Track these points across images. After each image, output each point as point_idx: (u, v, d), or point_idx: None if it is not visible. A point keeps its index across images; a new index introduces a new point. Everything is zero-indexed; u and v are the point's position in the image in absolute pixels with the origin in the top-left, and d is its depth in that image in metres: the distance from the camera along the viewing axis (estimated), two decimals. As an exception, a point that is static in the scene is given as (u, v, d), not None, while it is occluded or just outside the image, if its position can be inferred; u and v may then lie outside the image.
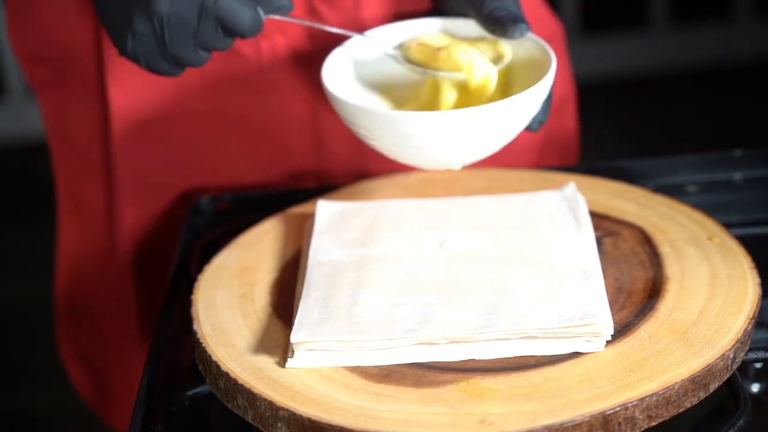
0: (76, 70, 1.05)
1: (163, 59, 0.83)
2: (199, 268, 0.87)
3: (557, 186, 0.92)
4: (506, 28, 0.85)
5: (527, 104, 0.82)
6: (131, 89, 1.02)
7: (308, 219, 0.91)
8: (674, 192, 0.96)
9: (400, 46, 0.90)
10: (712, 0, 3.23)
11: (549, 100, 0.87)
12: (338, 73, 0.89)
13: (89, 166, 1.09)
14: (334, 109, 0.86)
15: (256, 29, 0.82)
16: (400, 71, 0.91)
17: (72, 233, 1.14)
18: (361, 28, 0.96)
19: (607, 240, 0.86)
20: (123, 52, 0.84)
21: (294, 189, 1.02)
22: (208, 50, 0.83)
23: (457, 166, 0.87)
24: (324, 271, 0.82)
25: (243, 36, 0.82)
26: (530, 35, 0.87)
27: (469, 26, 0.90)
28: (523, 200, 0.90)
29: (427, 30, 0.91)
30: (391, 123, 0.82)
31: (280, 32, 0.99)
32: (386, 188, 0.96)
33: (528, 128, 0.86)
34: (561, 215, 0.88)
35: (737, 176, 1.00)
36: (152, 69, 0.84)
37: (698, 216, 0.88)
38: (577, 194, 0.90)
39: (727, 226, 0.87)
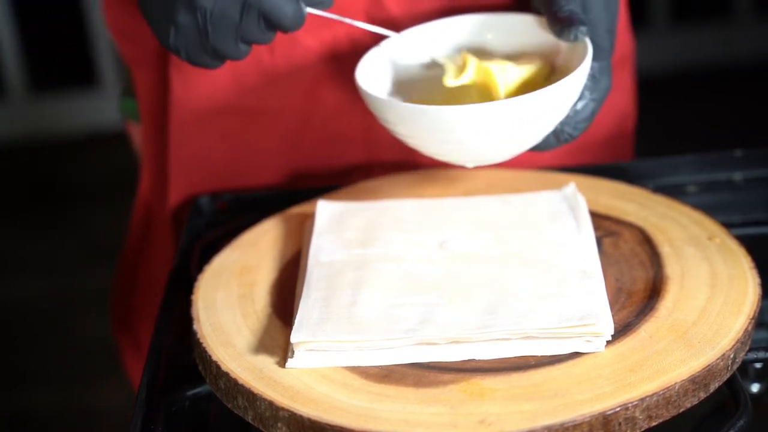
0: (155, 49, 1.07)
1: (204, 52, 0.83)
2: (199, 268, 0.87)
3: (557, 186, 0.92)
4: (562, 29, 0.85)
5: (551, 99, 0.81)
6: (191, 77, 1.03)
7: (308, 219, 0.91)
8: (674, 192, 0.96)
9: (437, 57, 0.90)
10: (712, 0, 3.23)
11: (583, 117, 0.85)
12: (373, 72, 0.89)
13: (164, 143, 1.11)
14: (369, 107, 0.85)
15: (298, 23, 0.82)
16: (436, 73, 0.90)
17: (145, 212, 1.17)
18: (419, 21, 0.95)
19: (607, 240, 0.86)
20: (165, 43, 0.84)
21: (294, 189, 1.02)
22: (250, 44, 0.83)
23: (497, 160, 0.86)
24: (324, 271, 0.82)
25: (285, 30, 0.82)
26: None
27: (508, 22, 0.91)
28: (523, 200, 0.90)
29: (463, 32, 0.92)
30: (424, 118, 0.81)
31: (341, 23, 0.99)
32: (386, 188, 0.96)
33: (556, 135, 0.85)
34: (561, 215, 0.88)
35: (737, 176, 1.00)
36: (193, 61, 0.85)
37: (698, 216, 0.88)
38: (577, 194, 0.90)
39: (727, 226, 0.87)
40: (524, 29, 0.90)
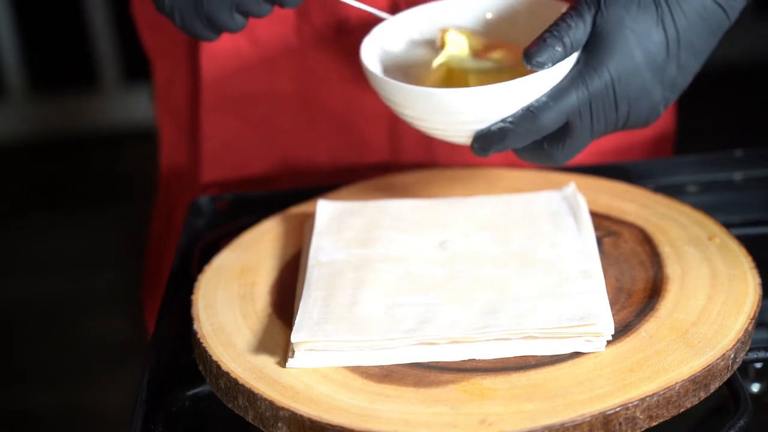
0: (180, 39, 1.07)
1: (198, 19, 0.83)
2: (199, 268, 0.87)
3: (557, 186, 0.92)
4: (524, 51, 0.80)
5: (549, 81, 0.80)
6: (222, 61, 1.03)
7: (308, 219, 0.91)
8: (674, 192, 0.96)
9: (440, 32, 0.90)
10: (712, 0, 3.23)
11: (492, 140, 0.80)
12: (376, 53, 0.88)
13: (184, 134, 1.11)
14: (374, 89, 0.85)
15: None
16: (434, 54, 0.90)
17: (165, 199, 1.17)
18: None
19: (607, 240, 0.86)
20: (160, 7, 0.84)
21: (294, 189, 1.02)
22: (245, 15, 0.83)
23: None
24: (324, 271, 0.82)
25: (282, 5, 0.81)
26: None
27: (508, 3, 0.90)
28: (523, 200, 0.90)
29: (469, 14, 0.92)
30: (428, 99, 0.81)
31: (366, 26, 0.99)
32: (386, 188, 0.96)
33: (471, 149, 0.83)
34: (561, 215, 0.88)
35: (737, 176, 1.00)
36: (186, 28, 0.84)
37: (698, 216, 0.88)
38: (577, 194, 0.90)
39: (727, 226, 0.87)
40: (524, 11, 0.90)
